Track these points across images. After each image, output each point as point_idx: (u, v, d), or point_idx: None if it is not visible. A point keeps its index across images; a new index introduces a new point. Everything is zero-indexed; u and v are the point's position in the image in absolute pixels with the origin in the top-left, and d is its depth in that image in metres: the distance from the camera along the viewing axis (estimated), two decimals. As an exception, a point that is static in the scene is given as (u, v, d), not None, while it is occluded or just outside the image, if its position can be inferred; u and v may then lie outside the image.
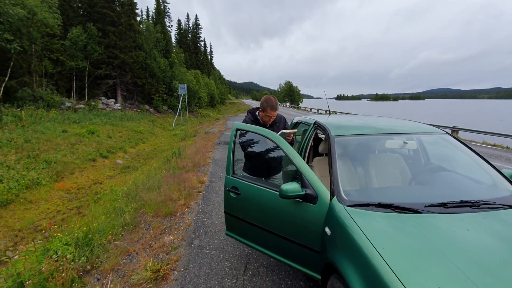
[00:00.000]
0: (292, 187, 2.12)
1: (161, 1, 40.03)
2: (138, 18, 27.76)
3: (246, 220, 2.66)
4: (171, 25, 44.17)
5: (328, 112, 4.47)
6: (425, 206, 1.92)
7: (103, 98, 22.41)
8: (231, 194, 2.70)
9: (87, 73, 20.99)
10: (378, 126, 2.78)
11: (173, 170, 6.53)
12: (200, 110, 35.25)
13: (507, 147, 10.95)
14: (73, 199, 6.66)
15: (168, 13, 43.87)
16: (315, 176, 2.20)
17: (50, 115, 13.47)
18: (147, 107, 25.96)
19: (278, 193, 2.34)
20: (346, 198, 2.03)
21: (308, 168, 2.26)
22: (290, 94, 77.38)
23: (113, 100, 23.13)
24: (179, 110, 25.44)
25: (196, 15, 52.96)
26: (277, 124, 2.98)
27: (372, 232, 1.64)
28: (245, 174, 2.94)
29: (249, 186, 2.58)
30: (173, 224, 3.89)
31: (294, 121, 4.42)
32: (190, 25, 53.26)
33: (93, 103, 20.16)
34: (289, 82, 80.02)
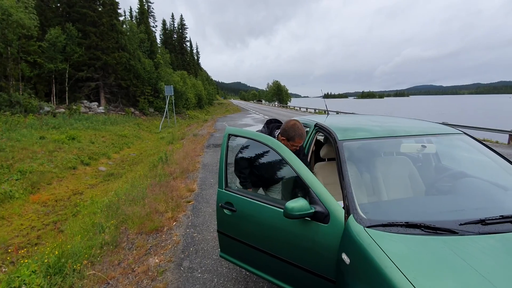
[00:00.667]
0: (298, 204, 1.75)
1: (144, 0, 39.03)
2: (121, 18, 26.85)
3: (243, 241, 2.29)
4: (156, 26, 43.22)
5: (326, 112, 4.15)
6: (460, 224, 1.60)
7: (85, 101, 21.49)
8: (225, 211, 2.31)
9: (67, 75, 20.06)
10: (389, 127, 2.46)
11: (160, 177, 6.07)
12: (188, 111, 34.54)
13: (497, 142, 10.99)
14: (50, 212, 6.10)
15: (152, 13, 42.90)
16: (325, 190, 1.85)
17: (27, 120, 12.66)
18: (132, 109, 25.13)
19: (281, 210, 1.99)
20: (364, 216, 1.68)
21: (316, 180, 1.90)
22: (278, 94, 77.37)
23: (96, 103, 22.23)
24: (166, 112, 24.75)
25: (181, 15, 52.11)
26: (298, 152, 2.51)
27: (408, 266, 1.30)
28: (239, 186, 2.56)
29: (246, 201, 2.20)
30: (159, 242, 3.46)
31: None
32: (175, 25, 52.34)
33: (74, 107, 19.27)
34: (277, 81, 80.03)
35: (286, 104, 70.28)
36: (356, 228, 1.62)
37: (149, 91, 27.29)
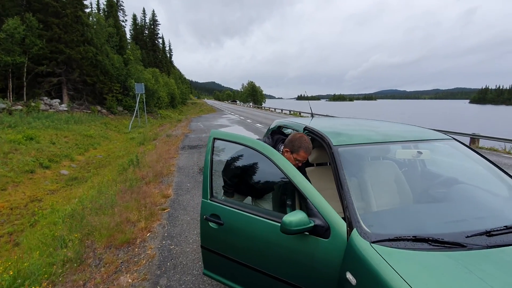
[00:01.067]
0: (297, 218, 1.56)
1: (113, -7, 37.01)
2: (87, 10, 25.17)
3: (231, 257, 2.06)
4: (126, 20, 41.09)
5: (311, 114, 4.04)
6: (467, 237, 1.51)
7: (45, 98, 19.78)
8: (210, 224, 2.07)
9: (25, 69, 18.33)
10: (383, 132, 2.36)
11: (131, 182, 5.61)
12: (160, 111, 33.30)
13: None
14: (4, 222, 5.38)
15: (121, 7, 40.81)
16: (324, 201, 1.69)
17: (-25, 118, 11.32)
18: (99, 108, 23.63)
19: (275, 223, 1.80)
20: (368, 230, 1.54)
21: (314, 190, 1.73)
22: (253, 94, 77.53)
23: (58, 100, 20.57)
24: (136, 111, 23.59)
25: (153, 11, 50.23)
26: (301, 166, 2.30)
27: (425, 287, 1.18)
28: (227, 197, 2.33)
29: (234, 213, 1.98)
30: (132, 256, 3.11)
31: (274, 125, 3.90)
32: (147, 21, 50.34)
33: (33, 104, 17.65)
34: (252, 82, 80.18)
35: (261, 105, 70.57)
36: (361, 244, 1.47)
37: (118, 88, 25.83)
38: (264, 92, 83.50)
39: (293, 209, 2.61)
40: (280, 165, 1.87)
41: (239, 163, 2.38)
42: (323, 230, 1.62)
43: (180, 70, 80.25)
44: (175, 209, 4.43)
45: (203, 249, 2.20)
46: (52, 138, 11.97)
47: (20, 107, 16.31)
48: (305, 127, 2.76)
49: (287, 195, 2.72)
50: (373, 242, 1.46)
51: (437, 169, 2.56)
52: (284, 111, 35.89)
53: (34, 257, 3.08)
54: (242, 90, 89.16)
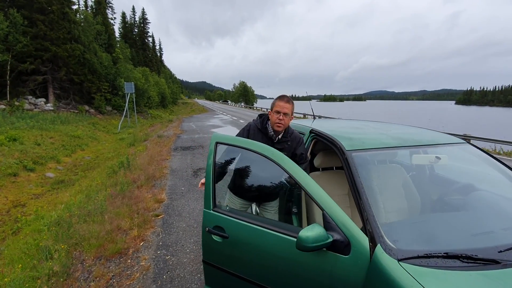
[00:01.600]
0: (314, 233, 1.39)
1: (101, -10, 36.12)
2: (74, 7, 24.41)
3: (237, 274, 1.87)
4: (114, 18, 40.19)
5: (313, 116, 3.90)
6: (500, 252, 1.39)
7: (30, 97, 19.05)
8: (214, 237, 1.88)
9: (9, 67, 17.59)
10: (396, 136, 2.23)
11: (121, 186, 5.34)
12: (150, 110, 32.69)
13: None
14: (-18, 230, 5.03)
15: (110, 4, 39.91)
16: (343, 213, 1.53)
17: (-47, 118, 10.71)
18: (86, 107, 22.94)
19: (287, 237, 1.63)
20: (394, 246, 1.39)
21: (331, 200, 1.57)
22: (245, 95, 77.27)
23: (44, 99, 19.84)
24: (126, 111, 23.03)
25: (143, 9, 49.33)
26: (289, 143, 2.18)
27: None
28: (232, 207, 2.14)
29: (241, 225, 1.79)
30: (124, 268, 2.88)
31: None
32: (137, 19, 49.43)
33: (17, 103, 16.96)
34: (244, 82, 79.92)
35: (252, 105, 70.38)
36: (388, 262, 1.32)
37: (107, 87, 25.16)
38: (255, 92, 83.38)
39: (299, 217, 2.46)
40: (290, 171, 1.71)
41: (244, 168, 2.21)
42: (343, 246, 1.46)
43: (171, 70, 79.30)
44: (169, 215, 4.21)
45: (205, 264, 2.01)
46: (37, 139, 11.46)
47: (3, 106, 15.64)
48: (311, 129, 2.61)
49: (292, 202, 2.56)
50: (401, 260, 1.31)
51: (451, 175, 2.44)
52: (276, 112, 35.82)
53: (16, 271, 2.82)
54: (233, 90, 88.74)
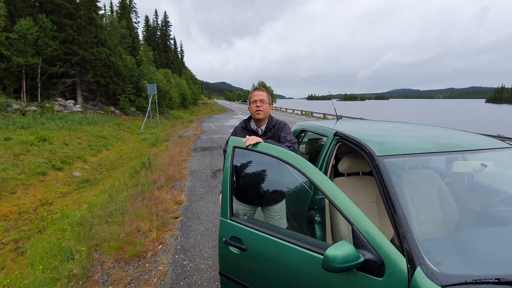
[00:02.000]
0: (344, 252, 1.22)
1: (126, -5, 37.43)
2: (100, 12, 25.43)
3: None
4: (138, 22, 41.54)
5: (336, 116, 3.69)
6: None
7: (60, 99, 20.04)
8: (231, 249, 1.76)
9: (39, 71, 18.59)
10: (433, 140, 1.99)
11: (142, 186, 5.39)
12: (172, 111, 33.41)
13: None
14: (11, 228, 5.24)
15: (134, 9, 41.29)
16: (376, 229, 1.35)
17: (-10, 119, 11.43)
18: (112, 108, 23.81)
19: (312, 253, 1.48)
20: (436, 269, 1.19)
21: (362, 214, 1.39)
22: (264, 95, 77.17)
23: (72, 101, 20.82)
24: (149, 111, 23.68)
25: (165, 12, 50.56)
26: (273, 131, 2.20)
27: None
28: (249, 217, 2.03)
29: (260, 238, 1.65)
30: (142, 273, 2.84)
31: (295, 128, 3.58)
32: (159, 22, 50.77)
33: (47, 104, 17.88)
34: (263, 82, 79.89)
35: (271, 105, 70.08)
36: (431, 289, 1.13)
37: (131, 89, 26.02)
38: (274, 92, 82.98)
39: (323, 227, 2.29)
40: (314, 178, 1.55)
41: (244, 170, 2.09)
42: (376, 266, 1.28)
43: (191, 71, 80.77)
44: (188, 217, 4.16)
45: (222, 276, 1.89)
46: (65, 139, 11.98)
47: (34, 108, 16.52)
48: (336, 132, 2.43)
49: (315, 210, 2.40)
50: (445, 287, 1.12)
51: (495, 183, 2.16)
52: (295, 111, 35.39)
53: (36, 273, 2.86)
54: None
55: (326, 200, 2.35)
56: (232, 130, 2.38)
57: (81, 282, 2.70)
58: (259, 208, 2.30)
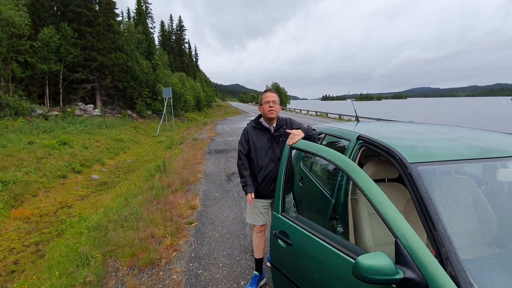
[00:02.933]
0: (378, 263, 1.12)
1: (142, 1, 38.40)
2: (118, 19, 26.17)
3: (297, 284, 1.74)
4: (154, 27, 42.46)
5: (356, 118, 3.49)
6: None
7: (80, 103, 20.75)
8: (279, 242, 1.83)
9: (61, 77, 19.32)
10: (473, 144, 1.79)
11: (157, 190, 5.37)
12: (187, 114, 33.86)
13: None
14: (33, 230, 5.37)
15: (150, 14, 42.25)
16: (423, 245, 1.18)
17: (15, 124, 11.91)
18: (129, 112, 24.39)
19: (350, 259, 1.38)
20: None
21: (410, 228, 1.23)
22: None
23: (92, 105, 21.49)
24: (164, 114, 24.06)
25: (180, 16, 51.52)
26: (284, 127, 2.40)
27: None
28: (297, 214, 2.06)
29: (304, 235, 1.67)
30: (156, 281, 2.76)
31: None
32: (174, 27, 51.73)
33: (69, 109, 18.52)
34: (276, 83, 79.68)
35: (285, 106, 69.79)
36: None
37: (147, 93, 26.58)
38: (288, 93, 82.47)
39: (346, 238, 2.12)
40: (362, 185, 1.43)
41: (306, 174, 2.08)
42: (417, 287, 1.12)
43: (205, 73, 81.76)
44: (202, 223, 4.07)
45: (272, 266, 1.97)
46: (85, 143, 12.32)
47: (56, 112, 17.15)
48: (359, 135, 2.25)
49: (337, 220, 2.23)
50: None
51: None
52: (310, 112, 34.94)
53: (53, 279, 2.85)
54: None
55: (350, 210, 2.18)
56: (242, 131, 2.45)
57: (95, 289, 2.65)
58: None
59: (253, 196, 2.31)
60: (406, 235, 1.17)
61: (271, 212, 2.46)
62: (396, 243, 1.18)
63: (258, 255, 2.54)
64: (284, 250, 1.80)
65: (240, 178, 2.41)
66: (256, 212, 2.45)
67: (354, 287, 1.32)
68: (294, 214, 1.97)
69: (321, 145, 1.80)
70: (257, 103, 2.94)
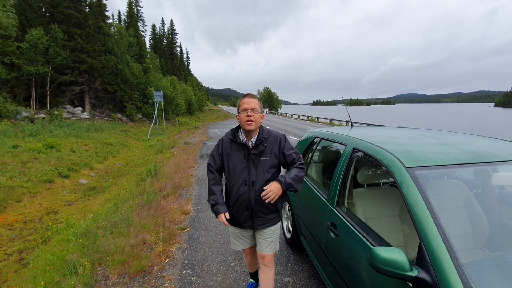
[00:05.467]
0: (392, 256, 1.19)
1: (133, 4, 38.15)
2: (109, 21, 25.88)
3: (342, 276, 1.83)
4: (145, 30, 42.20)
5: (350, 123, 3.52)
6: None
7: (68, 106, 20.28)
8: (330, 233, 2.01)
9: (49, 79, 18.88)
10: (467, 149, 1.81)
11: (148, 195, 5.25)
12: (178, 117, 33.58)
13: None
14: (16, 237, 5.15)
15: (141, 17, 42.00)
16: (446, 255, 1.18)
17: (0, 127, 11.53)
18: (119, 115, 24.00)
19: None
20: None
21: (437, 232, 1.25)
22: (269, 100, 77.19)
23: (80, 108, 21.05)
24: (155, 118, 23.80)
25: (172, 20, 51.33)
26: (266, 144, 1.93)
27: None
28: (348, 209, 2.07)
29: (350, 231, 1.78)
30: (148, 290, 2.68)
31: (308, 135, 3.41)
32: (165, 30, 51.54)
33: (56, 112, 18.08)
34: (268, 88, 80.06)
35: (277, 110, 70.07)
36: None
37: (138, 96, 26.26)
38: (279, 98, 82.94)
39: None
40: (404, 188, 1.47)
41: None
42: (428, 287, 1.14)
43: (197, 77, 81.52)
44: (195, 228, 4.00)
45: (324, 254, 2.14)
46: (72, 147, 12.01)
47: (43, 115, 16.70)
48: (355, 140, 2.26)
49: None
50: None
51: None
52: (301, 117, 35.19)
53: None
54: (258, 96, 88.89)
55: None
56: (217, 143, 2.07)
57: (83, 300, 2.54)
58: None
59: (227, 217, 1.90)
60: (432, 240, 1.20)
61: (255, 237, 2.13)
62: (419, 245, 1.24)
63: (251, 270, 2.45)
64: (333, 240, 1.95)
65: (209, 196, 1.97)
66: (239, 236, 2.12)
67: (386, 286, 1.39)
68: (345, 209, 2.01)
69: (382, 151, 1.79)
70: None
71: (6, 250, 4.73)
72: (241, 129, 1.95)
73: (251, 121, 1.82)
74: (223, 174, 2.06)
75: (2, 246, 4.88)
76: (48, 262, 3.45)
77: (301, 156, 2.02)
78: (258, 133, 1.93)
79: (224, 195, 2.01)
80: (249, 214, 1.95)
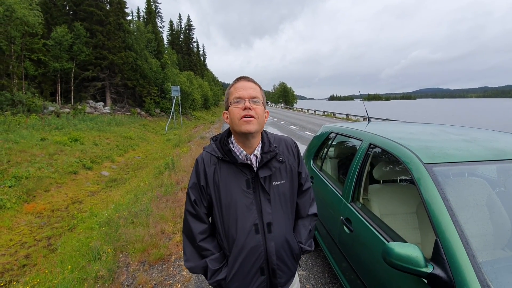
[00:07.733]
0: (407, 252, 1.19)
1: (151, 1, 38.77)
2: (128, 18, 26.48)
3: (356, 271, 1.86)
4: (163, 26, 42.89)
5: (367, 118, 3.47)
6: None
7: (91, 101, 21.07)
8: (344, 227, 2.04)
9: (73, 75, 19.66)
10: (489, 145, 1.76)
11: (166, 187, 5.43)
12: (194, 112, 34.06)
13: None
14: (45, 225, 5.49)
15: (159, 14, 42.67)
16: (463, 250, 1.18)
17: (28, 121, 12.18)
18: (138, 110, 24.67)
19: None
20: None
21: (455, 231, 1.23)
22: (285, 95, 76.69)
23: (102, 103, 21.81)
24: (172, 113, 24.26)
25: (188, 16, 51.81)
26: (281, 159, 1.19)
27: None
28: (363, 204, 2.09)
29: (365, 227, 1.80)
30: (166, 277, 2.80)
31: (323, 131, 3.39)
32: (182, 26, 52.06)
33: (79, 107, 18.83)
34: (284, 83, 79.46)
35: (292, 105, 69.48)
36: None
37: (156, 91, 26.85)
38: (295, 93, 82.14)
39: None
40: (421, 184, 1.46)
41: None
42: (443, 285, 1.15)
43: (213, 72, 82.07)
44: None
45: (337, 248, 2.16)
46: (95, 140, 12.51)
47: (67, 109, 17.46)
48: (372, 135, 2.23)
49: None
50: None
51: None
52: (317, 112, 34.74)
53: (65, 272, 2.91)
54: (273, 91, 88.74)
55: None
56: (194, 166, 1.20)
57: (107, 284, 2.70)
58: None
59: None
60: (448, 237, 1.20)
61: None
62: (435, 242, 1.23)
63: None
64: (347, 235, 1.97)
65: (202, 269, 1.18)
66: None
67: (383, 278, 1.48)
68: (360, 205, 2.03)
69: (398, 146, 1.79)
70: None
71: (35, 236, 5.05)
72: (233, 137, 1.18)
73: (252, 117, 1.07)
74: (211, 217, 1.22)
75: (32, 233, 5.21)
76: (74, 248, 3.66)
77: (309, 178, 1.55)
78: (263, 140, 1.18)
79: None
80: (265, 280, 1.14)
